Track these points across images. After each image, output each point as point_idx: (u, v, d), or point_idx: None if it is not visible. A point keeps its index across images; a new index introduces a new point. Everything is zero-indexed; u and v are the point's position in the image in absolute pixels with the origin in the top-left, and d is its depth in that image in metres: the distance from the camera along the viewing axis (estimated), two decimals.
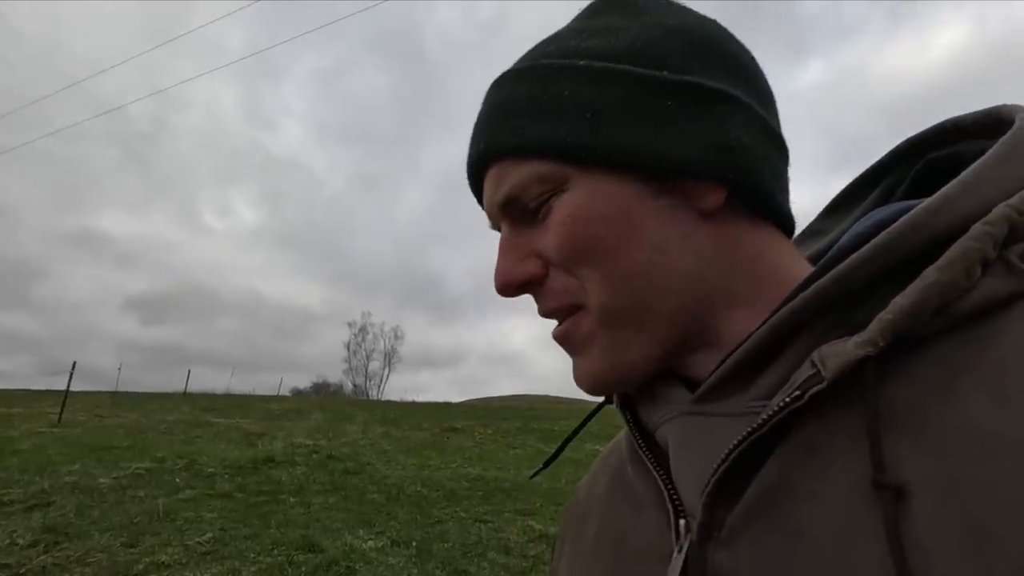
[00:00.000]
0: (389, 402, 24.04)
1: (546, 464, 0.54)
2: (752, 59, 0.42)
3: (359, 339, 58.45)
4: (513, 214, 0.41)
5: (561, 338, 0.41)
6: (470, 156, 0.43)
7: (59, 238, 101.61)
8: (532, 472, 0.58)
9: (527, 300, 0.43)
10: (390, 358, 58.43)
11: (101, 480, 6.35)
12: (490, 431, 12.59)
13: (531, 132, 0.38)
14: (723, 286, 0.38)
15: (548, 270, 0.40)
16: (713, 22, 0.42)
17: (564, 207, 0.38)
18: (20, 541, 4.42)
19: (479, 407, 21.96)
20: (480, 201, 0.45)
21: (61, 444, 8.45)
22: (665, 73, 0.37)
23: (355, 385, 56.21)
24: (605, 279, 0.38)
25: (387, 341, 58.67)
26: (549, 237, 0.39)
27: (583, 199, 0.38)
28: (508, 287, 0.41)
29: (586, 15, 0.43)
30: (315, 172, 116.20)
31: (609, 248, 0.37)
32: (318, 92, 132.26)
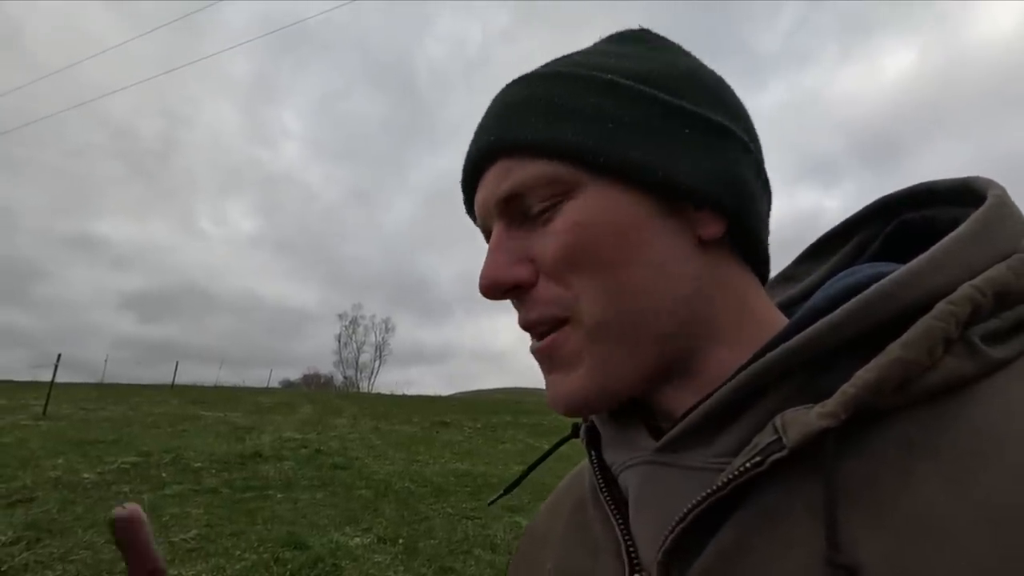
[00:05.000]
0: (379, 395, 24.02)
1: (506, 491, 0.55)
2: (747, 112, 0.43)
3: (350, 331, 58.16)
4: (511, 213, 0.39)
5: (544, 352, 0.39)
6: (472, 150, 0.41)
7: (61, 242, 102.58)
8: (490, 500, 0.59)
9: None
10: (381, 350, 58.28)
11: (85, 475, 6.30)
12: (479, 425, 12.62)
13: (549, 130, 0.38)
14: (710, 319, 0.39)
15: (538, 278, 0.39)
16: (716, 72, 0.43)
17: (573, 212, 0.37)
18: (1, 538, 4.37)
19: (469, 400, 22.00)
20: (469, 204, 0.44)
21: (45, 437, 8.37)
22: (684, 103, 0.39)
23: (345, 377, 56.05)
24: (602, 291, 0.37)
25: (378, 333, 58.50)
26: (550, 241, 0.38)
27: (594, 206, 0.37)
28: (495, 288, 0.39)
29: (608, 40, 0.45)
30: (311, 187, 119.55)
31: (612, 259, 0.37)
32: (315, 114, 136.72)
